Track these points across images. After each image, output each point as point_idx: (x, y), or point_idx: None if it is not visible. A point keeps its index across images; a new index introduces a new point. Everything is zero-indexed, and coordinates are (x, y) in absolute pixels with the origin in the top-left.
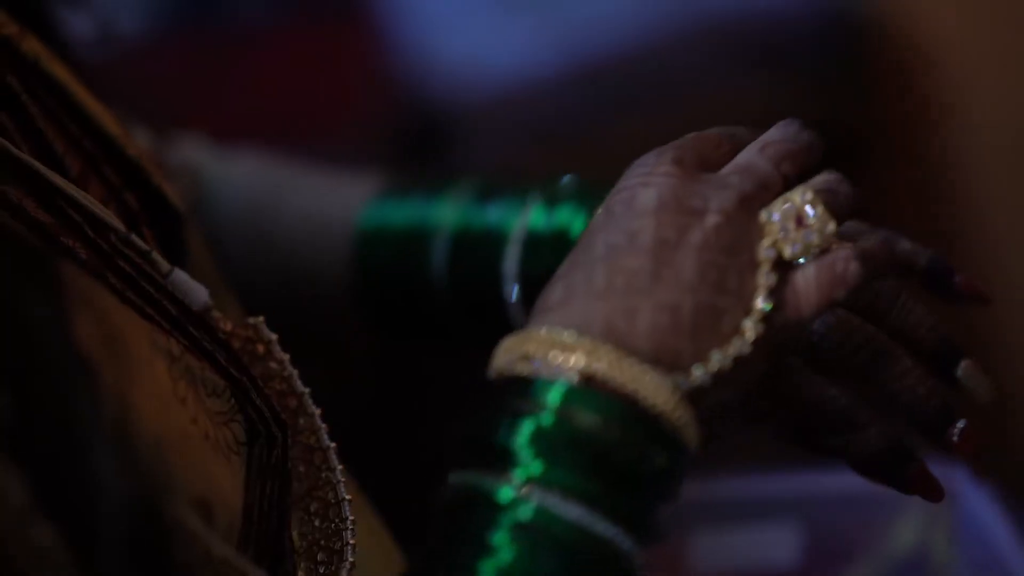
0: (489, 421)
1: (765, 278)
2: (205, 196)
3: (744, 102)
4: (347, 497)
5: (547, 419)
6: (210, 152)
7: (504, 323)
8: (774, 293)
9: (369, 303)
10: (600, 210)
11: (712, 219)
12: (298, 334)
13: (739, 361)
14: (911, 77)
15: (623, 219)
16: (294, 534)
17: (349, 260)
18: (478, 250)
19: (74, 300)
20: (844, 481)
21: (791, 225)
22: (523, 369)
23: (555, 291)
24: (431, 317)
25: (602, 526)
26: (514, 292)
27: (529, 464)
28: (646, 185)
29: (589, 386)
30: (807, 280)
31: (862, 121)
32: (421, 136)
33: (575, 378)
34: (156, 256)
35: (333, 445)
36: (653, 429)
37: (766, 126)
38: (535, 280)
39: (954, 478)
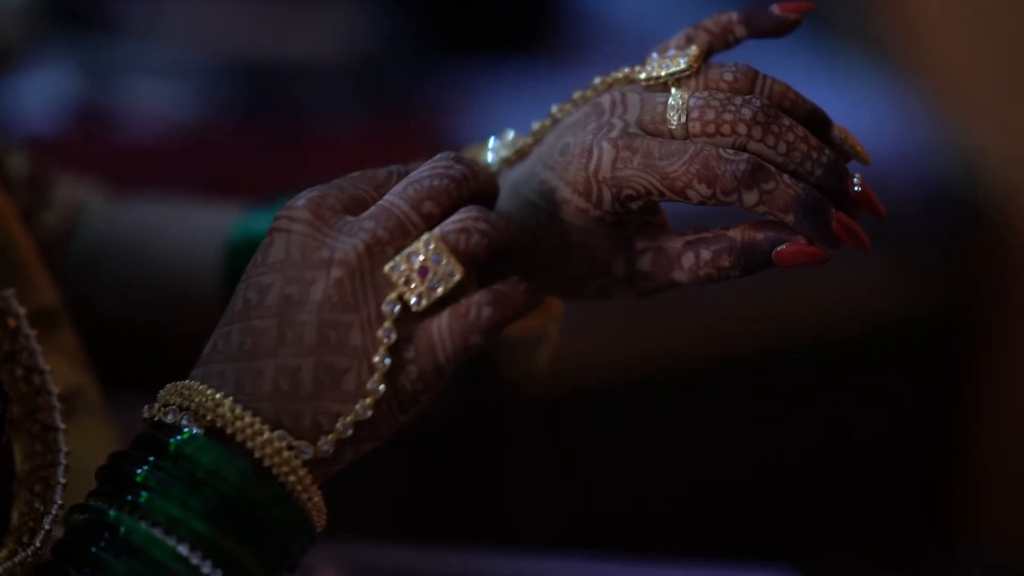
0: (126, 457)
1: (384, 334)
2: (85, 226)
3: (852, 283)
4: (62, 481)
5: (168, 462)
6: (100, 194)
7: None
8: (396, 349)
9: None
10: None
11: (336, 272)
12: (171, 347)
13: (363, 424)
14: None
15: (258, 271)
16: (15, 513)
17: (220, 274)
18: None
19: None
20: None
21: (415, 276)
22: (164, 416)
23: (208, 345)
24: None
25: (203, 564)
26: None
27: (147, 496)
28: (281, 231)
29: (210, 437)
30: (441, 328)
31: (972, 305)
32: None
33: (197, 427)
34: None
35: (63, 427)
36: (267, 485)
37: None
38: None
39: None
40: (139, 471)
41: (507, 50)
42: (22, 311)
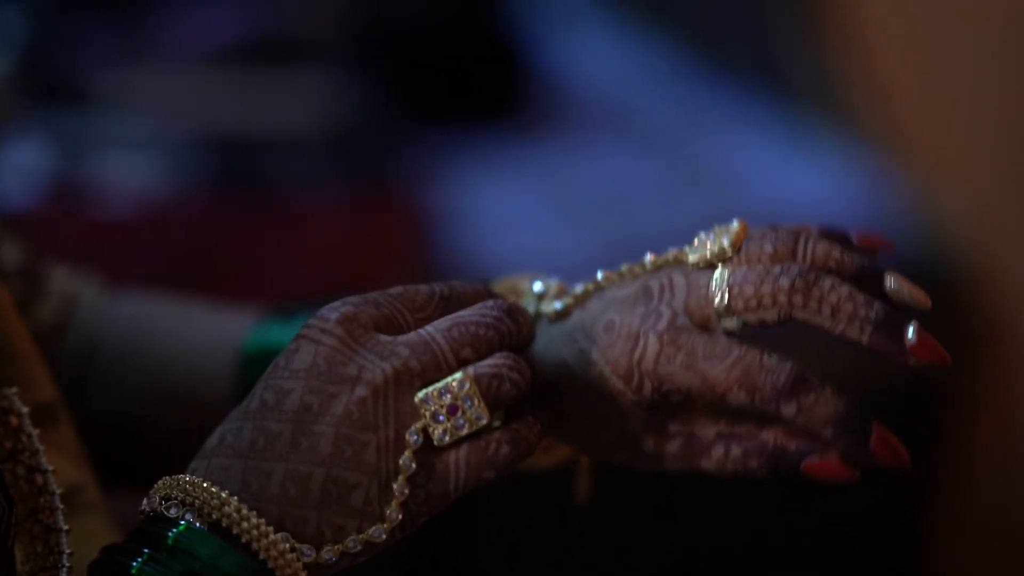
0: (120, 550)
1: (405, 463)
2: (80, 319)
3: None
4: None
5: (164, 554)
6: (95, 285)
7: None
8: (413, 478)
9: None
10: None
11: (360, 391)
12: (169, 447)
13: (371, 543)
14: (994, 334)
15: (280, 374)
16: None
17: (233, 383)
18: None
19: None
20: None
21: (444, 412)
22: (167, 510)
23: (214, 438)
24: None
25: None
26: None
27: None
28: (309, 340)
29: (212, 532)
30: (459, 459)
31: (943, 375)
32: None
33: (200, 523)
34: None
35: (66, 528)
36: None
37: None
38: None
39: None
40: (134, 563)
41: (481, 122)
42: (24, 410)
